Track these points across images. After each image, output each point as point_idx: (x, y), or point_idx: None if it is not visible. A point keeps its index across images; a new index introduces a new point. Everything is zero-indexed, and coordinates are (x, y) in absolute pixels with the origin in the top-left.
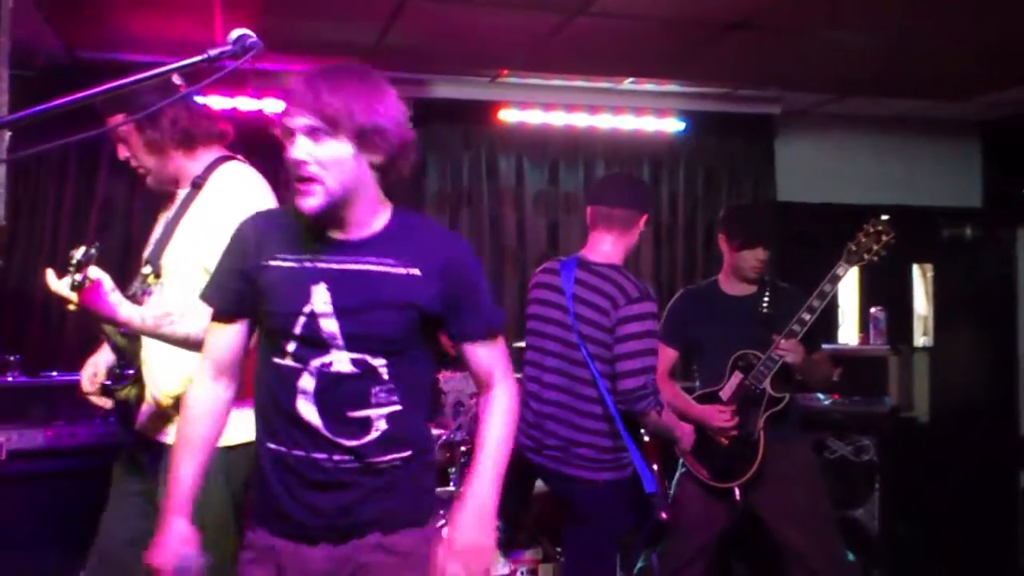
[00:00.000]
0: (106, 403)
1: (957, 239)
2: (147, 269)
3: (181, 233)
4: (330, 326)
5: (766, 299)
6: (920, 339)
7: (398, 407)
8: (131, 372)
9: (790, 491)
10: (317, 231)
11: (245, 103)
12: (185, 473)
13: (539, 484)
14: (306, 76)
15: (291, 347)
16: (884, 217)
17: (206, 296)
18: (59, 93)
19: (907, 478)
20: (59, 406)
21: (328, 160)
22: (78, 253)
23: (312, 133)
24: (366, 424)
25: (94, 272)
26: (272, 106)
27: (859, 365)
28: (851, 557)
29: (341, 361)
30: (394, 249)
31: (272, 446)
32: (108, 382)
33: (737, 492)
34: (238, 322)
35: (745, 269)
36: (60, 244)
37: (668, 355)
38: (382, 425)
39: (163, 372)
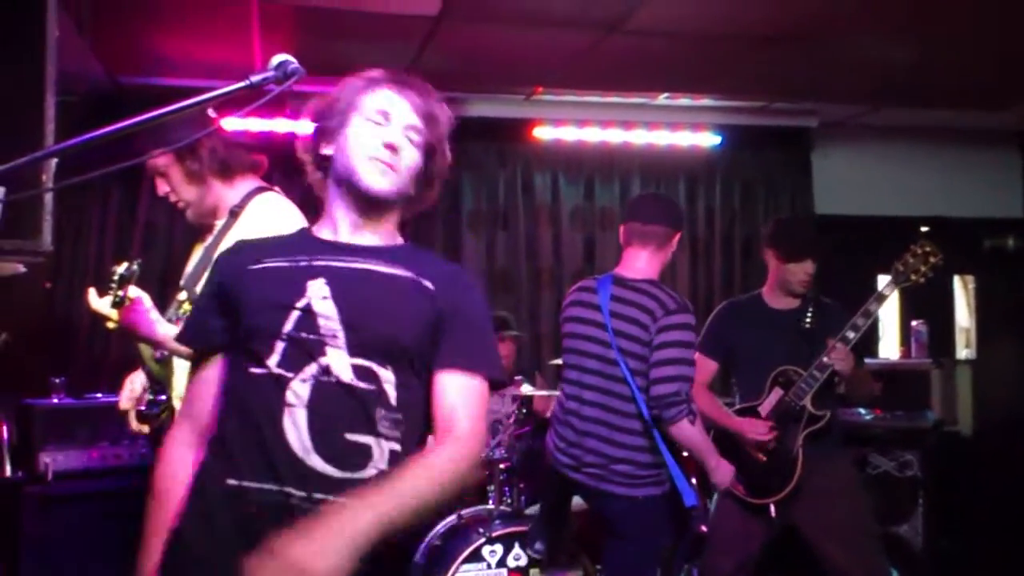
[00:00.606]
0: (142, 429)
1: (998, 250)
2: (183, 296)
3: None
4: (329, 321)
5: (809, 315)
6: (962, 352)
7: (398, 447)
8: (163, 398)
9: (830, 506)
10: (316, 240)
11: (281, 125)
12: (155, 541)
13: (578, 501)
14: (412, 77)
15: (278, 350)
16: (924, 229)
17: (182, 337)
18: (102, 118)
19: (951, 493)
20: (103, 427)
21: (411, 163)
22: (120, 269)
23: (410, 130)
24: (366, 453)
25: (133, 291)
26: (304, 127)
27: (901, 379)
28: (895, 574)
29: (341, 365)
30: (405, 261)
31: (231, 482)
32: (143, 407)
33: (773, 509)
34: (220, 363)
35: (793, 283)
36: (104, 268)
37: (708, 367)
38: (382, 463)
39: None
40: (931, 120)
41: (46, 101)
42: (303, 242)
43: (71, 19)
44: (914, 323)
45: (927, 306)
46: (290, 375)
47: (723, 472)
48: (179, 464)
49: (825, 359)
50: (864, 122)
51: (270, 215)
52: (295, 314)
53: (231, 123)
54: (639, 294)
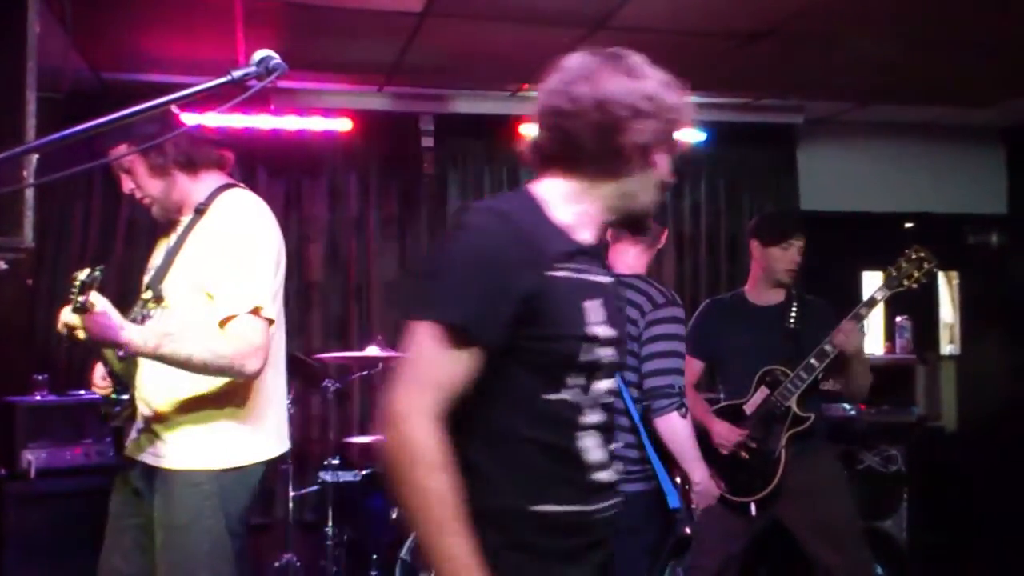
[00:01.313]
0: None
1: (983, 246)
2: (148, 294)
3: (183, 259)
4: (607, 346)
5: (793, 313)
6: (947, 347)
7: None
8: (126, 397)
9: (814, 503)
10: (580, 247)
11: (263, 121)
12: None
13: None
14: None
15: (576, 376)
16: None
17: (471, 325)
18: (86, 114)
19: (935, 488)
20: (86, 424)
21: None
22: (82, 275)
23: None
24: (613, 460)
25: (95, 297)
26: (289, 123)
27: (885, 375)
28: (879, 570)
29: (610, 386)
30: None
31: (552, 508)
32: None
33: (753, 508)
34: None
35: (778, 271)
36: (87, 264)
37: (694, 367)
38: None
39: (156, 392)
40: (916, 116)
41: (27, 97)
42: (571, 247)
43: (53, 15)
44: (898, 319)
45: (911, 302)
46: (585, 401)
47: (705, 492)
48: (441, 438)
49: (827, 346)
50: (849, 118)
51: (238, 213)
52: (587, 341)
53: (211, 119)
54: (629, 289)
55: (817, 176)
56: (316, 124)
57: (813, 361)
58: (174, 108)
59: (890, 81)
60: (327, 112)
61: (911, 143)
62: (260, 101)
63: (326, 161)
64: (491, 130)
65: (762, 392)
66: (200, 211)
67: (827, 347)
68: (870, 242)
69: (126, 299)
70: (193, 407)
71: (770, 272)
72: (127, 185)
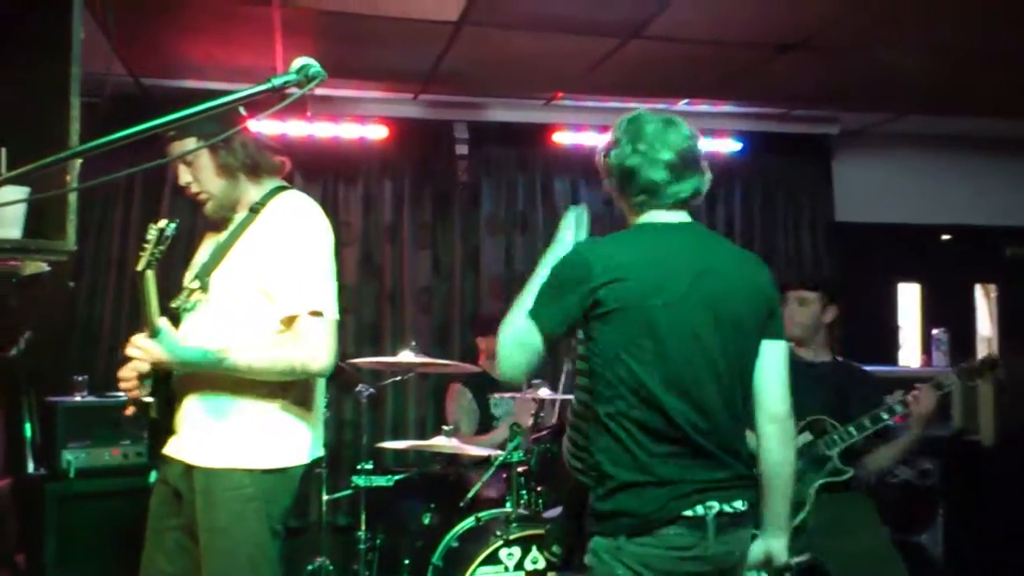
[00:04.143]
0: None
1: (1021, 259)
2: (195, 284)
3: (236, 256)
4: None
5: (837, 371)
6: None
7: None
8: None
9: (855, 543)
10: None
11: (297, 127)
12: None
13: None
14: None
15: None
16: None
17: None
18: (126, 119)
19: (971, 502)
20: (124, 425)
21: None
22: (159, 226)
23: None
24: None
25: (163, 322)
26: (324, 129)
27: None
28: None
29: None
30: None
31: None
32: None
33: None
34: None
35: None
36: (127, 267)
37: None
38: None
39: (198, 393)
40: (954, 127)
41: (71, 102)
42: None
43: (96, 22)
44: (935, 331)
45: (948, 314)
46: None
47: None
48: None
49: (894, 406)
50: (886, 130)
51: (298, 213)
52: None
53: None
54: None
55: (853, 187)
56: (351, 131)
57: (867, 421)
58: (242, 111)
59: (926, 93)
60: (362, 119)
61: (948, 154)
62: (297, 107)
63: (361, 168)
64: (525, 138)
65: (805, 437)
66: (255, 210)
67: (886, 412)
68: (906, 254)
69: (161, 301)
70: (237, 408)
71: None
72: (184, 178)
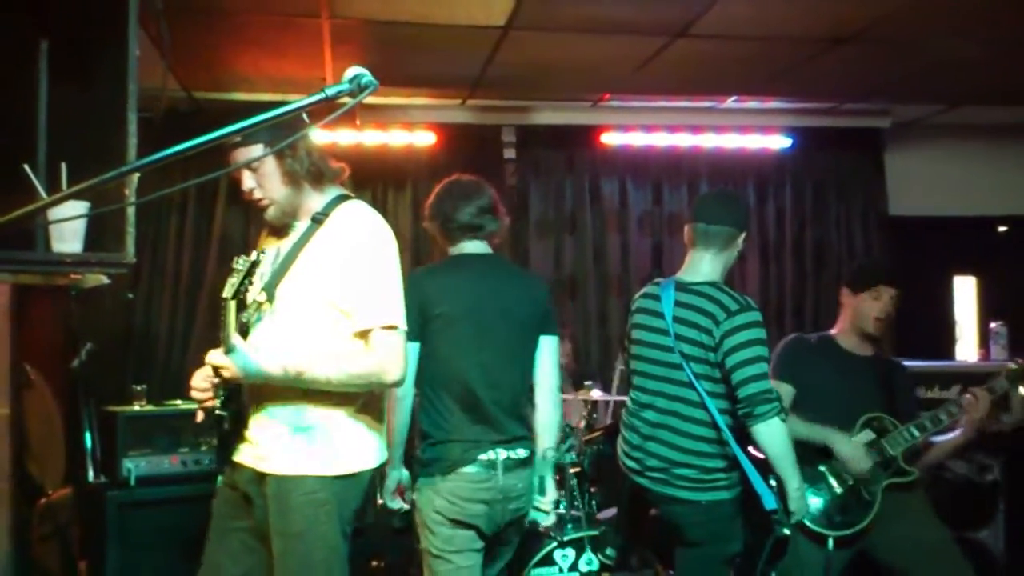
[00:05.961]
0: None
1: None
2: (262, 296)
3: (302, 267)
4: None
5: (886, 368)
6: None
7: None
8: (227, 405)
9: (917, 533)
10: None
11: (346, 136)
12: None
13: None
14: None
15: None
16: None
17: None
18: (180, 133)
19: None
20: (184, 433)
21: None
22: (247, 260)
23: None
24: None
25: (236, 339)
26: (373, 137)
27: (979, 382)
28: None
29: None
30: None
31: None
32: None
33: (831, 542)
34: None
35: (867, 319)
36: (182, 278)
37: (785, 391)
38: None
39: (269, 400)
40: (1007, 117)
41: (128, 118)
42: None
43: (150, 38)
44: (993, 324)
45: (1006, 307)
46: None
47: (801, 500)
48: None
49: (951, 409)
50: (938, 121)
51: (366, 225)
52: None
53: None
54: (701, 298)
55: (906, 180)
56: (399, 138)
57: (927, 423)
58: (305, 117)
59: (979, 83)
60: (410, 126)
61: (1003, 144)
62: (346, 116)
63: (409, 174)
64: (572, 141)
65: (867, 435)
66: (318, 220)
67: (944, 413)
68: (962, 246)
69: (216, 314)
70: (308, 416)
71: (858, 321)
72: (248, 183)
